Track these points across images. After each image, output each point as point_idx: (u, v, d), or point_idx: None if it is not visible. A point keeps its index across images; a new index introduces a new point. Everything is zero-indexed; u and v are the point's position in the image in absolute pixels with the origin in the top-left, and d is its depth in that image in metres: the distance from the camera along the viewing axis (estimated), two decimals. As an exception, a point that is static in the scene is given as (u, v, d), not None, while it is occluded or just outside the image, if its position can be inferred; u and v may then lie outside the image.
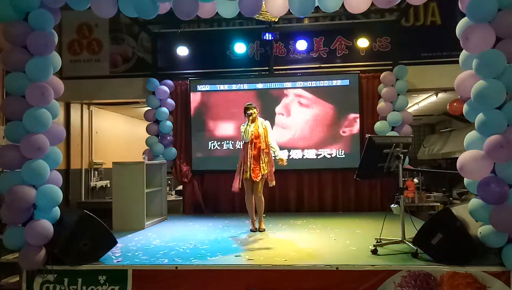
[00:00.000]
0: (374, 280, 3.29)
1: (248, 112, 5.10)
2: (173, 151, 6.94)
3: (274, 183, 5.21)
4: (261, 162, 5.06)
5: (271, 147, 5.18)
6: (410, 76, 6.47)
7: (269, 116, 6.40)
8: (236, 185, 5.15)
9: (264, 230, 5.27)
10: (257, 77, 6.99)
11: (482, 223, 3.40)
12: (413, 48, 6.75)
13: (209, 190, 7.08)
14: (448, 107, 6.49)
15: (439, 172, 9.25)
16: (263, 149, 5.09)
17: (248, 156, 5.06)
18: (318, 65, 6.97)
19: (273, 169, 5.23)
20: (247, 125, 5.12)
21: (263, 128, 5.14)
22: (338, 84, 6.75)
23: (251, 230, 5.26)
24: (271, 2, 3.86)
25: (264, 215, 5.46)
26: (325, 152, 6.72)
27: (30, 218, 3.60)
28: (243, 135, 5.13)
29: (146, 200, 5.62)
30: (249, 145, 5.08)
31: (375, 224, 5.10)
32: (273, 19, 4.80)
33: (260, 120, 5.20)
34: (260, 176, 5.05)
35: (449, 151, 8.86)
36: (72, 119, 7.47)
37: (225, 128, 6.92)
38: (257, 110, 5.17)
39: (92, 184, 7.85)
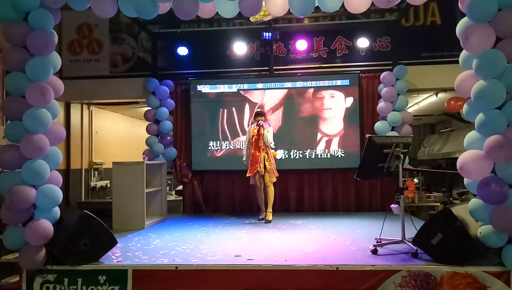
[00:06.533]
0: (374, 280, 3.29)
1: (256, 118, 5.87)
2: (173, 151, 6.93)
3: (274, 179, 5.88)
4: (260, 160, 5.74)
5: (269, 142, 5.81)
6: (410, 76, 6.47)
7: (268, 115, 6.44)
8: (251, 180, 5.89)
9: (269, 221, 5.71)
10: (257, 77, 6.99)
11: (482, 223, 3.40)
12: (413, 48, 6.75)
13: (209, 190, 7.09)
14: (446, 104, 6.50)
15: (439, 172, 9.26)
16: (263, 149, 5.78)
17: (250, 155, 5.84)
18: (318, 65, 6.97)
19: (274, 167, 5.89)
20: (252, 127, 5.90)
21: (265, 132, 5.74)
22: (338, 84, 6.75)
23: (258, 219, 5.93)
24: (271, 2, 3.86)
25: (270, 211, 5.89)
26: (325, 152, 6.73)
27: (30, 218, 3.60)
28: (247, 142, 6.03)
29: (146, 200, 5.62)
30: (251, 146, 5.83)
31: (375, 224, 5.10)
32: (266, 18, 4.84)
33: (265, 125, 5.83)
34: (257, 173, 5.76)
35: (449, 151, 8.86)
36: (72, 119, 7.47)
37: (225, 128, 6.92)
38: (264, 117, 5.92)
39: (92, 184, 7.85)
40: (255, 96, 6.87)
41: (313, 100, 6.78)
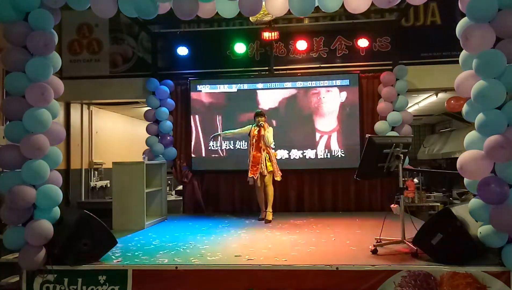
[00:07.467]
0: (374, 280, 3.29)
1: (256, 119, 5.87)
2: (173, 151, 6.93)
3: (279, 178, 5.88)
4: (261, 161, 5.76)
5: (270, 142, 5.81)
6: (410, 76, 6.47)
7: (269, 115, 6.45)
8: (250, 181, 5.87)
9: (269, 221, 5.71)
10: (257, 77, 6.99)
11: (482, 223, 3.40)
12: (413, 48, 6.74)
13: (209, 190, 7.09)
14: (446, 104, 6.49)
15: (439, 172, 9.26)
16: (263, 149, 5.80)
17: (251, 156, 5.83)
18: (318, 65, 6.97)
19: (276, 165, 5.89)
20: (252, 127, 5.92)
21: (265, 133, 5.77)
22: (338, 84, 6.75)
23: (258, 219, 5.93)
24: (271, 2, 3.86)
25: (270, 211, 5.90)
26: (325, 151, 6.72)
27: (30, 218, 3.60)
28: (238, 131, 6.15)
29: (146, 200, 5.62)
30: (252, 147, 5.84)
31: (375, 224, 5.10)
32: (266, 18, 4.83)
33: (266, 125, 5.87)
34: (258, 174, 5.76)
35: (449, 151, 8.86)
36: (72, 119, 7.47)
37: (225, 128, 6.90)
38: (264, 118, 5.91)
39: (92, 184, 7.85)
40: (257, 96, 6.87)
41: (312, 98, 6.77)
